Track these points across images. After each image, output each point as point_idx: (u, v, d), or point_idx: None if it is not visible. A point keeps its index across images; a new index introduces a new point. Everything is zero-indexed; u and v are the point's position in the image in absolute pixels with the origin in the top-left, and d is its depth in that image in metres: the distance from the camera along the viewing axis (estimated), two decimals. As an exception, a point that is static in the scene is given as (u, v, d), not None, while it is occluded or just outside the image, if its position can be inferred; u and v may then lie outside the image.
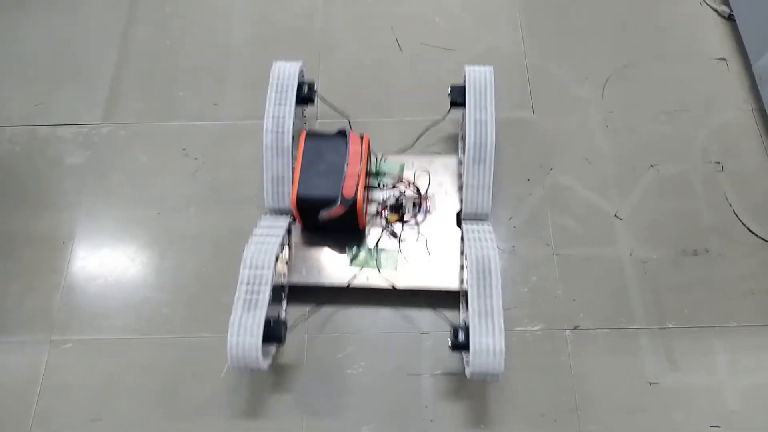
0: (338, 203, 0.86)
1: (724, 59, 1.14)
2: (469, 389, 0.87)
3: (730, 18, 1.17)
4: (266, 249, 0.83)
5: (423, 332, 0.91)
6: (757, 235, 0.97)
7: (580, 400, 0.86)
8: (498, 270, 0.81)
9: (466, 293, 0.89)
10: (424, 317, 0.93)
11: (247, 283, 0.80)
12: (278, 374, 0.89)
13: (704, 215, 0.99)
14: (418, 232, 0.95)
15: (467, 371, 0.79)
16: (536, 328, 0.91)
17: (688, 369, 0.88)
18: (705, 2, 1.20)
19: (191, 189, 1.04)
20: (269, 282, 0.80)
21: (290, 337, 0.90)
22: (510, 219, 0.99)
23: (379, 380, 0.89)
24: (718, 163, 1.04)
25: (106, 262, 0.99)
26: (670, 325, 0.91)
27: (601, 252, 0.97)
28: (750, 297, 0.93)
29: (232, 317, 0.78)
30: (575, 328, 0.91)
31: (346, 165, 0.88)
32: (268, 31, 1.20)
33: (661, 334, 0.91)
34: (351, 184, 0.86)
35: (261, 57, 1.17)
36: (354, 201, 0.86)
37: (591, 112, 1.09)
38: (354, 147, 0.89)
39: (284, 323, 0.81)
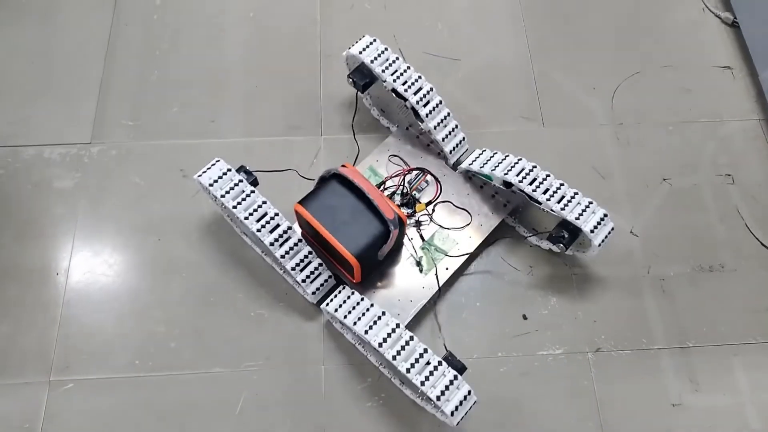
0: (391, 229, 0.82)
1: (729, 68, 1.13)
2: (492, 417, 0.85)
3: (733, 25, 1.16)
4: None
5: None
6: (769, 249, 0.98)
7: (605, 425, 0.85)
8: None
9: (514, 211, 0.99)
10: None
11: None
12: (297, 409, 0.86)
13: (717, 229, 0.99)
14: (440, 202, 0.97)
15: (592, 247, 0.87)
16: (558, 351, 0.90)
17: (710, 389, 0.88)
18: (708, 9, 1.19)
19: (192, 212, 0.99)
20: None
21: (307, 370, 0.87)
22: (525, 238, 0.97)
23: (401, 412, 0.86)
24: (729, 175, 1.03)
25: (105, 294, 0.93)
26: (690, 344, 0.91)
27: (618, 270, 0.95)
28: (766, 313, 0.93)
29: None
30: (597, 350, 0.90)
31: (368, 195, 0.83)
32: (264, 41, 1.15)
33: (682, 353, 0.90)
34: (385, 206, 0.83)
35: (257, 68, 1.12)
36: (398, 217, 0.83)
37: (601, 123, 1.07)
38: (358, 178, 0.85)
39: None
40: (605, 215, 0.87)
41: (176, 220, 0.98)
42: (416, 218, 0.95)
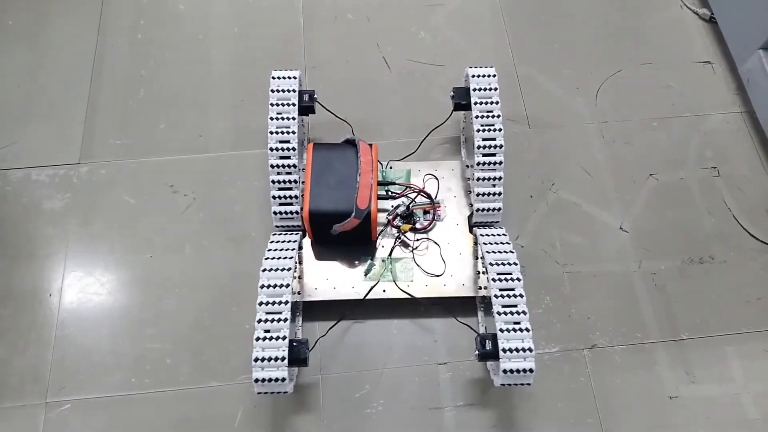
0: (353, 215, 0.83)
1: (709, 62, 1.15)
2: (492, 419, 0.86)
3: (711, 20, 1.18)
4: (282, 265, 0.80)
5: (441, 363, 0.89)
6: (758, 239, 0.98)
7: (605, 421, 0.86)
8: (519, 272, 0.80)
9: (484, 299, 0.91)
10: (442, 326, 0.91)
11: (267, 303, 0.77)
12: (295, 419, 0.86)
13: (706, 222, 1.00)
14: (430, 240, 0.93)
15: (496, 381, 0.77)
16: (554, 350, 0.90)
17: (706, 380, 0.89)
18: (685, 5, 1.21)
19: (183, 228, 0.99)
20: (288, 301, 0.77)
21: (305, 382, 0.87)
22: (517, 238, 0.98)
23: (401, 417, 0.86)
24: (714, 168, 1.04)
25: (99, 313, 0.92)
26: (684, 337, 0.91)
27: (610, 267, 0.96)
28: (757, 302, 0.94)
29: (254, 341, 0.75)
30: (592, 347, 0.90)
31: (358, 175, 0.86)
32: (248, 54, 1.16)
33: (676, 346, 0.91)
34: (365, 194, 0.84)
35: (243, 83, 1.12)
36: (368, 212, 0.84)
37: (586, 122, 1.08)
38: (365, 156, 0.87)
39: (306, 343, 0.78)
40: (531, 370, 0.75)
41: (167, 236, 0.98)
42: (401, 234, 0.93)
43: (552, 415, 0.86)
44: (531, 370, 0.75)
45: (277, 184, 0.87)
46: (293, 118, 0.89)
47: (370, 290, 0.89)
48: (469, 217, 0.94)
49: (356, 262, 0.92)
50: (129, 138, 1.07)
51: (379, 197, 0.95)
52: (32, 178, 1.02)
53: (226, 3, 1.21)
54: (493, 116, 0.89)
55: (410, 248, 0.93)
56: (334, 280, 0.91)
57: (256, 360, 0.75)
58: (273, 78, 0.92)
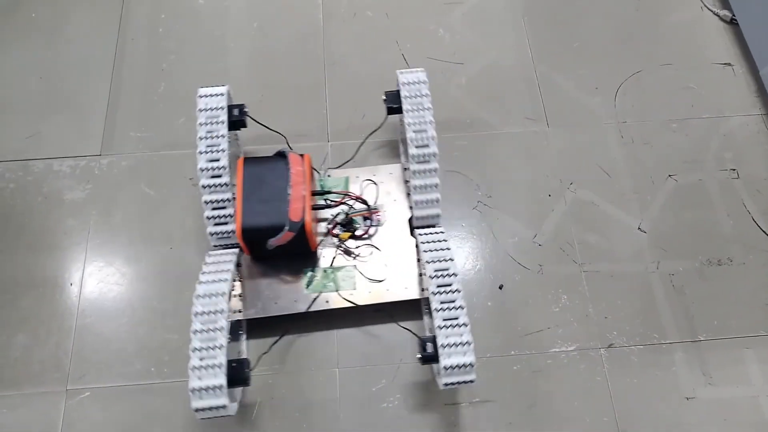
0: (286, 229, 0.82)
1: (729, 64, 1.14)
2: (505, 415, 0.86)
3: (732, 22, 1.18)
4: (216, 289, 0.79)
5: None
6: (777, 242, 0.98)
7: (621, 421, 0.86)
8: (457, 272, 0.80)
9: (427, 300, 0.88)
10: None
11: (201, 331, 0.75)
12: (311, 412, 0.86)
13: (724, 223, 1.00)
14: (372, 246, 0.92)
15: (439, 383, 0.77)
16: (571, 348, 0.90)
17: (723, 381, 0.88)
18: (706, 7, 1.20)
19: (202, 220, 0.99)
20: (225, 325, 0.76)
21: (322, 373, 0.88)
22: (534, 237, 0.98)
23: (413, 414, 0.86)
24: (734, 170, 1.04)
25: (119, 303, 0.93)
26: (702, 338, 0.91)
27: (628, 267, 0.96)
28: (776, 304, 0.94)
29: (190, 365, 0.73)
30: (609, 346, 0.90)
31: (289, 188, 0.85)
32: (267, 50, 1.16)
33: (694, 347, 0.90)
34: (297, 207, 0.83)
35: (262, 77, 1.13)
36: (302, 224, 0.83)
37: (605, 122, 1.08)
38: (296, 167, 0.86)
39: (247, 362, 0.77)
40: (472, 364, 0.75)
41: (187, 228, 0.99)
42: (341, 243, 0.92)
43: (568, 414, 0.86)
44: (471, 365, 0.74)
45: (210, 204, 0.86)
46: (222, 136, 0.87)
47: (312, 302, 0.88)
48: (410, 221, 0.94)
49: (300, 276, 0.90)
50: (149, 131, 1.08)
51: (318, 207, 0.94)
52: (54, 168, 1.04)
53: (246, -1, 1.22)
54: (425, 122, 0.88)
55: (352, 256, 0.92)
56: (276, 294, 0.89)
57: (193, 390, 0.73)
58: (200, 97, 0.91)
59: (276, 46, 1.17)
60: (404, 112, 0.89)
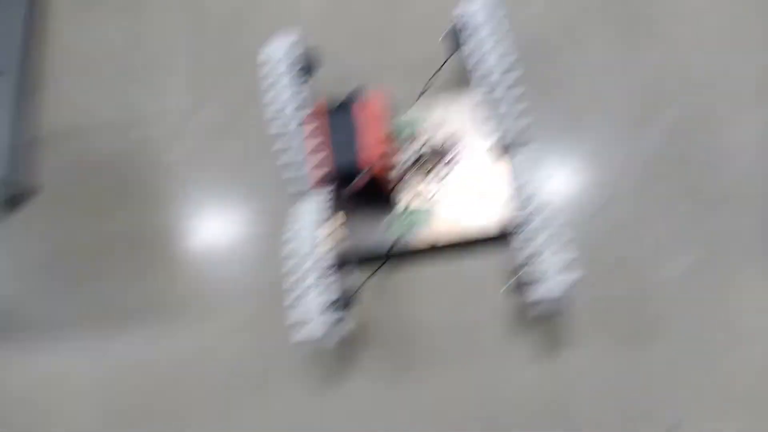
0: (357, 177, 0.83)
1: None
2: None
3: None
4: (306, 233, 0.83)
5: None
6: None
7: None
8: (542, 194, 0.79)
9: (518, 228, 0.82)
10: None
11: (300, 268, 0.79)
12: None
13: None
14: (448, 183, 0.91)
15: (539, 301, 0.74)
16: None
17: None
18: None
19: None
20: (318, 262, 0.78)
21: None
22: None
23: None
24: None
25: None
26: None
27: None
28: None
29: (293, 295, 0.76)
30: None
31: (355, 134, 0.86)
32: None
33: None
34: (367, 153, 0.85)
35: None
36: (373, 169, 0.83)
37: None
38: (365, 112, 0.87)
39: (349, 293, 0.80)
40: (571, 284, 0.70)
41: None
42: (418, 183, 0.91)
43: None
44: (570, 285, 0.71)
45: (283, 151, 0.89)
46: (290, 85, 0.90)
47: (392, 246, 0.89)
48: (493, 147, 0.92)
49: (381, 220, 0.91)
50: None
51: (392, 150, 0.92)
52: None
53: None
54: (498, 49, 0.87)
55: (430, 195, 0.95)
56: (357, 240, 0.90)
57: (295, 311, 0.75)
58: (264, 53, 0.91)
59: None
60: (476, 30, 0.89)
